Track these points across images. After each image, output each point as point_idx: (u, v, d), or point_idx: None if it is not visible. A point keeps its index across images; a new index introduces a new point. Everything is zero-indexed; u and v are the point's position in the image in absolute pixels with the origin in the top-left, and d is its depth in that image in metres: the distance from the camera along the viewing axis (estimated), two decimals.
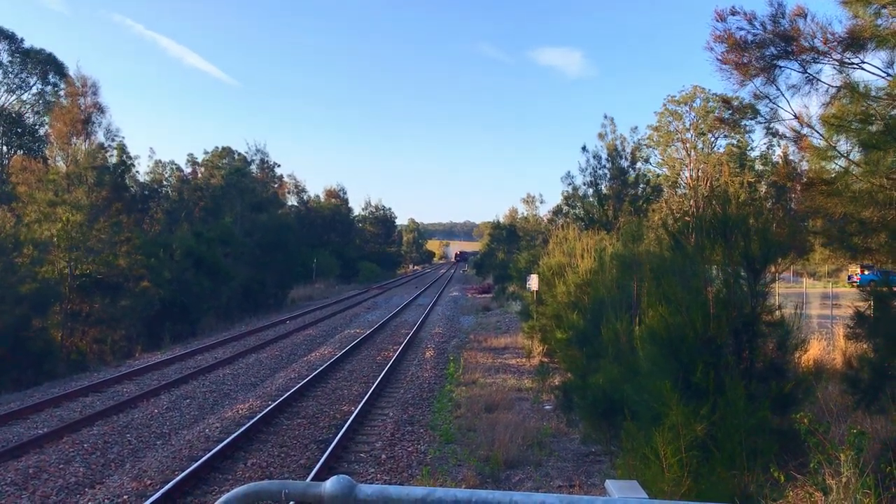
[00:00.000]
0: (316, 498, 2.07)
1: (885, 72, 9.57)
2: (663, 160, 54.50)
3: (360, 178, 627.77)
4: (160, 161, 62.46)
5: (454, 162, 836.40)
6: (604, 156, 36.98)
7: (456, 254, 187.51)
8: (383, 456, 11.87)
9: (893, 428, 8.38)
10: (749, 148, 48.50)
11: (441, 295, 55.23)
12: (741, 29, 10.21)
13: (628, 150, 38.37)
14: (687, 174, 53.04)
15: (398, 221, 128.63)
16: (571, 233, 21.28)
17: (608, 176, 36.85)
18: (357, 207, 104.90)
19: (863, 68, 9.63)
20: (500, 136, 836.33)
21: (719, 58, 10.40)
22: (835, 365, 13.04)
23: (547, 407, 14.82)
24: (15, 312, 22.81)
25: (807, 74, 10.01)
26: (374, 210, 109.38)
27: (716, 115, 43.34)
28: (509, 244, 70.88)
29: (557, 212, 43.88)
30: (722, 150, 50.68)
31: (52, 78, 49.20)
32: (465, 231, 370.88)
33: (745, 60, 10.20)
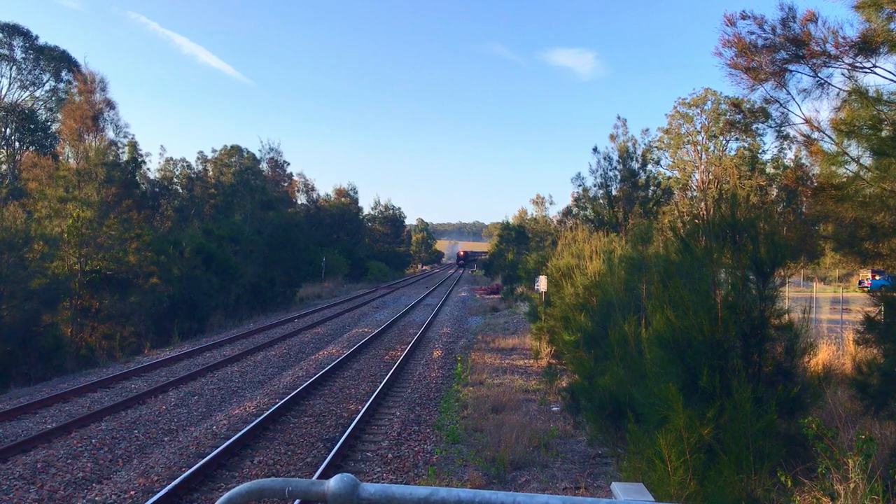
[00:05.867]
0: (319, 496, 2.07)
1: None
2: (674, 163, 54.38)
3: (370, 177, 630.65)
4: (171, 158, 62.74)
5: (464, 162, 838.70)
6: (615, 157, 36.98)
7: (459, 254, 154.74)
8: (389, 455, 11.89)
9: None
10: (760, 151, 48.33)
11: (449, 295, 55.23)
12: (751, 33, 10.19)
13: (639, 152, 38.33)
14: (698, 177, 52.89)
15: (407, 221, 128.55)
16: (581, 234, 21.25)
17: (619, 178, 36.84)
18: (367, 207, 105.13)
19: (875, 72, 9.59)
20: (510, 136, 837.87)
21: (728, 62, 10.37)
22: (844, 370, 12.97)
23: (554, 408, 14.81)
24: (25, 308, 22.93)
25: (818, 79, 9.96)
26: (383, 209, 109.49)
27: (726, 118, 43.24)
28: (518, 245, 70.88)
29: (567, 213, 43.84)
30: (733, 152, 50.53)
31: (65, 75, 49.49)
32: (474, 231, 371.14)
33: (755, 65, 10.16)
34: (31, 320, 23.19)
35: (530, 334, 24.12)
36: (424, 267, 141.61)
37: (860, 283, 44.25)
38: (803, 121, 10.46)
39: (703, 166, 52.41)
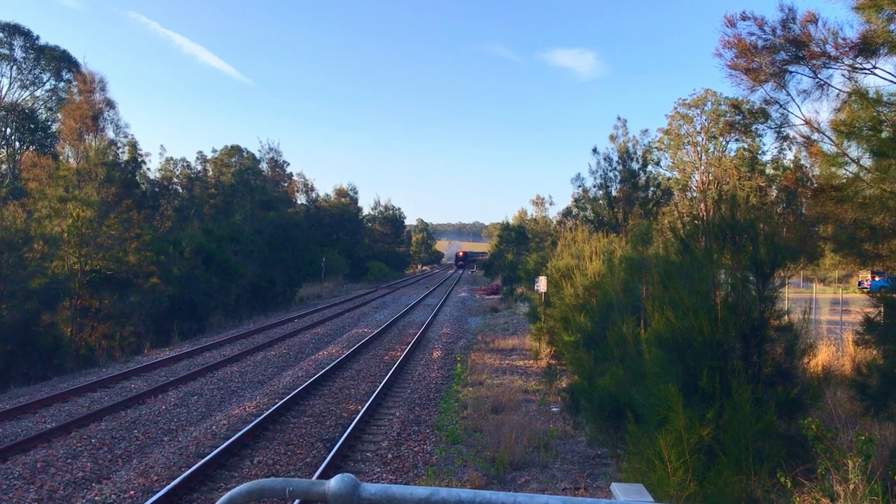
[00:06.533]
0: (319, 496, 2.08)
1: None
2: (674, 163, 54.41)
3: (370, 177, 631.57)
4: (171, 158, 62.74)
5: (464, 162, 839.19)
6: (615, 158, 36.93)
7: (458, 254, 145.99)
8: (389, 455, 11.89)
9: None
10: (760, 152, 48.39)
11: (449, 295, 55.22)
12: (752, 34, 10.18)
13: (639, 152, 38.33)
14: (697, 178, 52.93)
15: (407, 221, 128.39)
16: (580, 235, 21.24)
17: (618, 178, 36.80)
18: (367, 207, 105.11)
19: (875, 74, 9.59)
20: (510, 136, 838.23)
21: (729, 63, 10.37)
22: (843, 371, 12.97)
23: (554, 409, 14.81)
24: (25, 307, 22.94)
25: (818, 80, 9.96)
26: (383, 210, 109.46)
27: (726, 119, 43.27)
28: (518, 245, 70.88)
29: (567, 213, 43.84)
30: (733, 153, 50.58)
31: (65, 75, 49.52)
32: (474, 232, 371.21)
33: (755, 66, 10.16)
34: (31, 320, 23.19)
35: (530, 335, 24.10)
36: (424, 267, 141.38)
37: (860, 284, 44.25)
38: (803, 122, 10.47)
39: (702, 167, 52.46)
